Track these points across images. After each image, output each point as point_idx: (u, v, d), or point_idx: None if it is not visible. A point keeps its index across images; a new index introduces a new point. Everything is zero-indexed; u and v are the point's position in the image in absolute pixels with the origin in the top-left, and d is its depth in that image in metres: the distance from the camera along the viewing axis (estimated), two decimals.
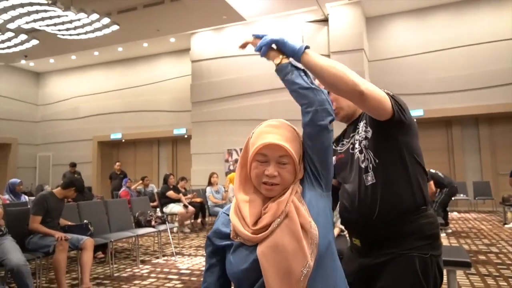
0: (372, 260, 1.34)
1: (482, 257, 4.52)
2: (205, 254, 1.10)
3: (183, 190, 7.49)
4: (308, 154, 1.03)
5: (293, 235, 0.93)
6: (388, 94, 1.27)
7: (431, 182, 5.87)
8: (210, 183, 7.58)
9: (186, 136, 12.38)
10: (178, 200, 7.06)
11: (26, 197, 6.18)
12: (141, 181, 8.52)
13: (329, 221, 1.02)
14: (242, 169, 1.06)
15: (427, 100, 9.75)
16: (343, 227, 3.18)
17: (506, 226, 6.86)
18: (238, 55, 10.74)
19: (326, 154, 1.04)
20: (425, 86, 9.81)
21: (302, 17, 10.05)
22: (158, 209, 7.14)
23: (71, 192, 3.89)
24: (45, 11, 7.79)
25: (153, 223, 5.05)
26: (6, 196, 5.61)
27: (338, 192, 1.48)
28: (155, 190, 8.36)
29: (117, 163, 9.88)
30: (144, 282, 3.82)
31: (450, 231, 6.43)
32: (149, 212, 5.30)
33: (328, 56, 9.70)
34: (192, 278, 3.92)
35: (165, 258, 4.94)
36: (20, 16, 7.98)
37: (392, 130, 1.30)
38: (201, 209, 7.60)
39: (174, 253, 5.11)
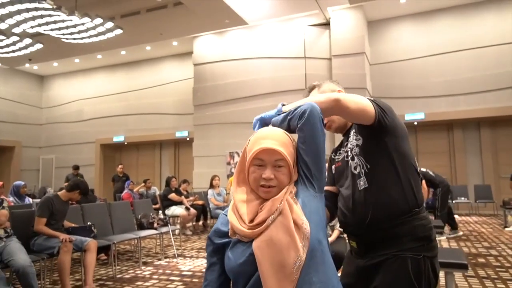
0: (367, 261, 1.39)
1: (481, 260, 4.54)
2: (206, 256, 1.16)
3: (185, 193, 7.53)
4: (302, 157, 1.12)
5: (286, 230, 1.00)
6: (370, 99, 1.35)
7: (423, 181, 5.88)
8: (212, 186, 7.63)
9: (188, 139, 12.44)
10: (180, 203, 7.10)
11: (30, 199, 6.26)
12: (143, 184, 8.58)
13: (321, 220, 1.09)
14: (240, 173, 1.15)
15: (428, 103, 9.78)
16: (342, 230, 3.22)
17: (506, 229, 6.87)
18: (241, 58, 10.82)
19: (319, 156, 1.12)
20: (427, 89, 9.84)
21: (304, 21, 10.12)
22: (160, 212, 7.19)
23: (75, 194, 3.94)
24: (50, 15, 7.90)
25: (155, 225, 5.10)
26: (11, 198, 5.69)
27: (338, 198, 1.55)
28: (157, 193, 8.40)
29: (120, 166, 9.94)
30: (146, 284, 3.87)
31: (461, 233, 6.39)
32: (151, 214, 5.35)
33: (330, 59, 9.78)
34: (194, 280, 3.97)
35: (167, 260, 4.98)
36: (25, 20, 8.10)
37: (380, 135, 1.36)
38: (203, 211, 7.64)
39: (176, 255, 5.15)
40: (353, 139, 1.46)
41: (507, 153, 9.59)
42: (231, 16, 9.53)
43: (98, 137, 13.88)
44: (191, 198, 7.57)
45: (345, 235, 3.11)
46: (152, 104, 13.20)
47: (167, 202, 7.11)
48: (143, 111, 13.30)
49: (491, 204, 9.14)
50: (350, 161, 1.46)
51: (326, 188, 1.59)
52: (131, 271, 4.43)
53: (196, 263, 4.78)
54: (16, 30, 8.70)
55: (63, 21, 8.19)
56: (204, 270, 4.18)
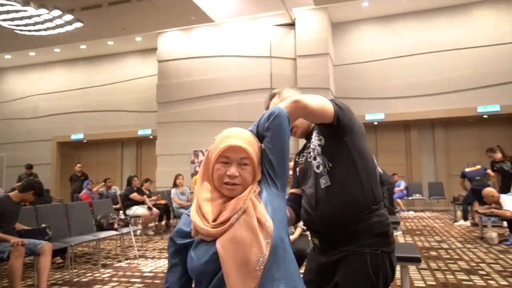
0: (329, 257, 1.43)
1: (433, 253, 4.80)
2: (168, 257, 1.14)
3: (147, 192, 7.36)
4: (267, 156, 1.14)
5: (250, 228, 1.00)
6: (328, 99, 1.40)
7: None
8: (175, 185, 7.51)
9: (151, 137, 12.16)
10: (142, 202, 6.94)
11: None
12: (103, 183, 8.29)
13: (284, 218, 1.11)
14: (204, 172, 1.15)
15: (388, 104, 10.19)
16: (305, 228, 3.28)
17: (456, 223, 7.31)
18: (206, 56, 10.72)
19: (284, 155, 1.15)
20: (387, 90, 10.24)
21: (269, 20, 10.19)
22: (121, 212, 6.98)
23: (29, 195, 3.73)
24: (2, 5, 7.41)
25: (115, 226, 4.94)
26: None
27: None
28: (118, 192, 8.16)
29: (78, 165, 9.59)
30: (105, 287, 3.73)
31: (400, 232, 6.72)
32: (111, 214, 5.18)
33: (295, 59, 9.92)
34: (156, 281, 3.88)
35: (128, 261, 4.84)
36: None
37: (339, 134, 1.40)
38: (165, 211, 7.51)
39: (137, 256, 5.02)
40: (315, 140, 1.50)
41: (458, 153, 10.19)
42: (197, 13, 9.42)
43: (55, 134, 13.23)
44: (153, 197, 7.41)
45: (308, 233, 3.18)
46: (114, 101, 12.76)
47: (128, 202, 6.92)
48: (104, 108, 12.83)
49: (443, 200, 9.68)
50: (312, 161, 1.49)
51: (291, 190, 1.63)
52: (89, 274, 4.26)
53: (158, 263, 4.67)
54: None
55: (16, 11, 7.71)
56: (166, 271, 4.10)
